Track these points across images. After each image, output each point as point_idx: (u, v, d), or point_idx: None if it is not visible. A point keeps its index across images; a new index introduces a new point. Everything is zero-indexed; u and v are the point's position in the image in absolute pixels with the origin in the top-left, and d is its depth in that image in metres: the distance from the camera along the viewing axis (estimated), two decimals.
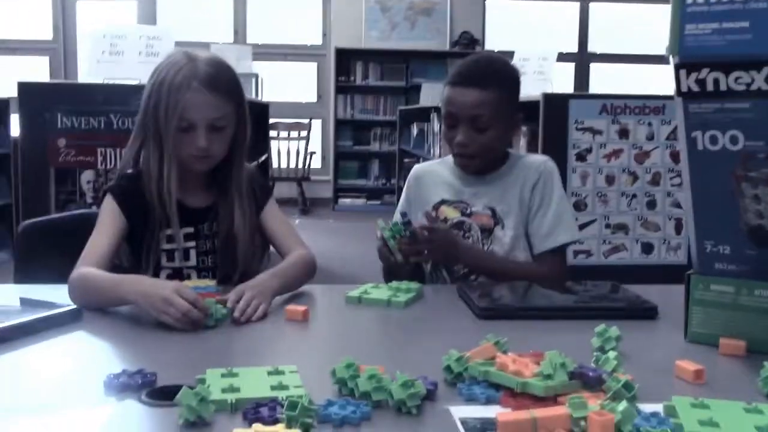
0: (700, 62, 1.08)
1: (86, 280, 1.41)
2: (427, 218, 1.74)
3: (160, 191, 1.55)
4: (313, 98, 8.44)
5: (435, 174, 1.89)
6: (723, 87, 1.07)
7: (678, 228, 3.10)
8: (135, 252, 1.61)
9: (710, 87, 1.08)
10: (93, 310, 1.35)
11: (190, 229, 1.62)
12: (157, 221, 1.57)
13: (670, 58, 1.10)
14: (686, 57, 1.08)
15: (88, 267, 1.44)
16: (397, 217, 1.87)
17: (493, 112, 1.71)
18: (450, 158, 1.88)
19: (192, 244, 1.62)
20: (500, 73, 1.77)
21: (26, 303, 1.37)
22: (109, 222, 1.56)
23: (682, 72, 1.09)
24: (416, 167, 1.97)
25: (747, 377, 1.06)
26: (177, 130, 1.52)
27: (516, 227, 1.77)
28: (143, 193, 1.57)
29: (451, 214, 1.82)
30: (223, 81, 1.55)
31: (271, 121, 5.94)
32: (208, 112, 1.52)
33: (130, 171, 1.63)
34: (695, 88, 1.09)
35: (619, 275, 1.65)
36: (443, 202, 1.84)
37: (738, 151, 1.10)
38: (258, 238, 1.68)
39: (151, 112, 1.54)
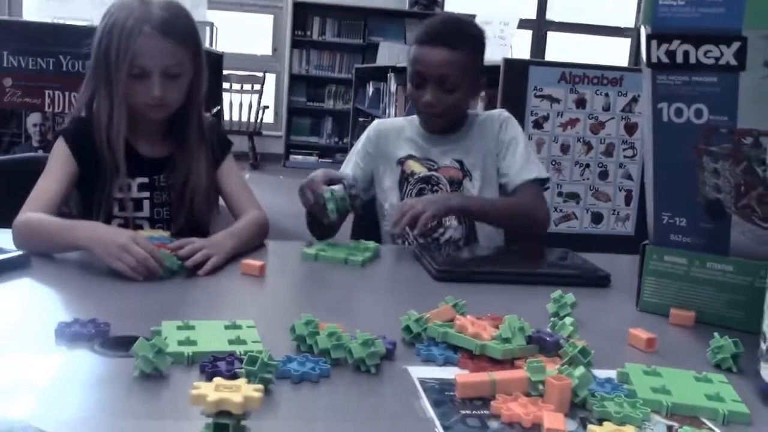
0: (671, 33, 1.08)
1: (33, 225, 1.36)
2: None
3: (110, 138, 1.50)
4: (268, 51, 8.28)
5: (400, 130, 1.88)
6: (692, 60, 1.07)
7: (628, 199, 3.15)
8: (85, 200, 1.56)
9: (680, 59, 1.08)
10: (40, 255, 1.31)
11: (145, 179, 1.58)
12: (109, 169, 1.52)
13: (642, 28, 1.10)
14: (658, 28, 1.08)
15: (34, 212, 1.40)
16: (348, 168, 1.85)
17: (461, 72, 1.71)
18: (415, 118, 1.87)
19: (146, 194, 1.58)
20: (468, 34, 1.76)
21: None
22: (59, 167, 1.51)
23: (653, 42, 1.09)
24: (378, 122, 1.95)
25: (696, 347, 1.08)
26: (129, 77, 1.47)
27: (483, 179, 1.79)
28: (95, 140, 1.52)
29: (418, 168, 1.82)
30: (177, 26, 1.49)
31: (224, 72, 5.81)
32: (162, 59, 1.47)
33: (83, 115, 1.57)
34: (665, 60, 1.09)
35: (569, 243, 1.67)
36: (410, 157, 1.83)
37: (702, 124, 1.11)
38: (213, 193, 1.64)
39: (102, 57, 1.48)
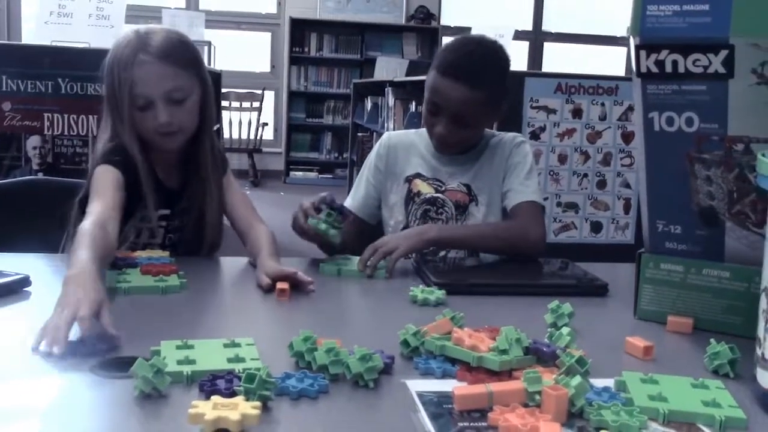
0: (659, 44, 1.09)
1: (84, 233, 1.24)
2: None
3: (141, 172, 1.50)
4: (267, 68, 8.33)
5: (411, 146, 1.84)
6: (681, 69, 1.08)
7: (626, 208, 3.16)
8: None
9: (669, 68, 1.09)
10: (49, 267, 1.35)
11: (167, 212, 1.58)
12: (136, 200, 1.51)
13: (630, 39, 1.11)
14: (646, 38, 1.10)
15: (99, 214, 1.32)
16: (361, 185, 1.85)
17: (479, 111, 1.67)
18: (426, 132, 1.82)
19: (163, 223, 1.59)
20: (493, 71, 1.69)
21: None
22: (110, 186, 1.44)
23: (642, 53, 1.10)
24: (389, 135, 1.91)
25: (693, 354, 1.09)
26: (135, 109, 1.47)
27: (489, 204, 1.76)
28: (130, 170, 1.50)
29: (425, 189, 1.79)
30: (175, 50, 1.49)
31: (223, 90, 5.85)
32: (162, 84, 1.46)
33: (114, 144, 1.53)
34: (654, 69, 1.10)
35: (569, 253, 1.67)
36: (418, 175, 1.81)
37: (693, 132, 1.12)
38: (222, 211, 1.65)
39: (110, 94, 1.49)
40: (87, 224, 1.27)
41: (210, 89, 1.57)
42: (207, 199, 1.58)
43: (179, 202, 1.59)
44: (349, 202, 1.84)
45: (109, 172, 1.46)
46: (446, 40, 7.99)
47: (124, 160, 1.49)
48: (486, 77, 1.66)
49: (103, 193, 1.42)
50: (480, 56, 1.68)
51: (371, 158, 1.87)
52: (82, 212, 1.40)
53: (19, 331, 1.09)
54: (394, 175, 1.83)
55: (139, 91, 1.46)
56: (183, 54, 1.51)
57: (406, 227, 1.79)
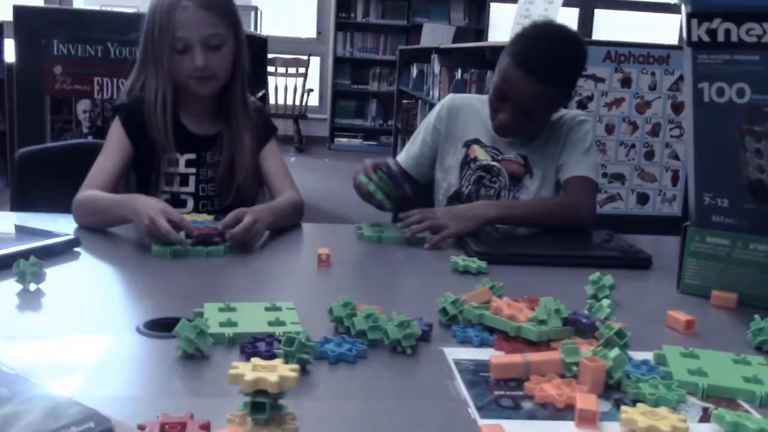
0: (712, 12, 1.06)
1: (89, 201, 1.46)
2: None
3: (159, 115, 1.57)
4: (313, 34, 8.31)
5: (473, 111, 1.82)
6: (734, 38, 1.05)
7: (674, 180, 3.10)
8: (140, 176, 1.64)
9: (721, 38, 1.06)
10: (95, 229, 1.42)
11: (192, 156, 1.63)
12: (159, 145, 1.59)
13: (682, 7, 1.08)
14: (699, 6, 1.07)
15: (92, 189, 1.48)
16: (416, 142, 1.85)
17: (547, 106, 1.68)
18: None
19: (192, 170, 1.63)
20: (569, 69, 1.67)
21: (22, 231, 1.37)
22: (115, 146, 1.59)
23: (694, 21, 1.07)
24: (452, 97, 1.88)
25: (737, 329, 1.07)
26: (173, 52, 1.53)
27: (543, 177, 1.75)
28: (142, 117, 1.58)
29: (482, 155, 1.78)
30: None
31: (269, 56, 5.86)
32: (201, 29, 1.53)
33: (136, 94, 1.62)
34: (705, 39, 1.07)
35: (614, 225, 1.65)
36: (476, 141, 1.80)
37: (744, 104, 1.09)
38: (257, 173, 1.69)
39: (148, 37, 1.56)
40: (90, 194, 1.47)
41: (243, 41, 1.62)
42: (237, 147, 1.63)
43: (208, 150, 1.64)
44: (402, 158, 1.86)
45: (117, 135, 1.60)
46: (494, 6, 7.89)
47: (137, 109, 1.59)
48: (561, 75, 1.64)
49: (104, 152, 1.58)
50: (558, 52, 1.64)
51: (431, 118, 1.87)
52: None
53: (69, 290, 1.13)
54: (453, 137, 1.82)
55: (179, 35, 1.52)
56: (222, 3, 1.57)
57: (458, 192, 1.79)
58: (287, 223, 1.55)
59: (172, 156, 1.60)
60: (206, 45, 1.54)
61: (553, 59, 1.62)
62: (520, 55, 1.62)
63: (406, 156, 1.87)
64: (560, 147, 1.75)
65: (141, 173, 1.63)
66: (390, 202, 1.52)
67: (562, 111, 1.80)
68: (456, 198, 1.80)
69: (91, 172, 1.54)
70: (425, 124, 1.87)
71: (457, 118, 1.83)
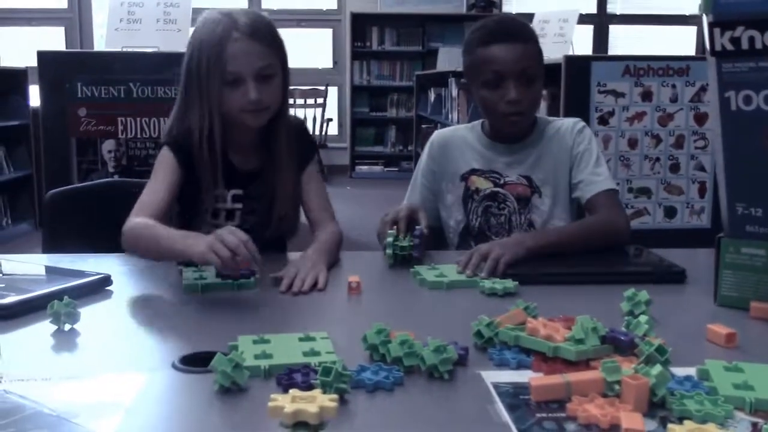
0: (734, 20, 1.05)
1: (142, 230, 1.40)
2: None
3: (206, 152, 1.53)
4: (329, 64, 8.38)
5: (462, 141, 1.81)
6: (758, 45, 1.04)
7: (701, 191, 3.07)
8: (183, 209, 1.61)
9: (745, 45, 1.05)
10: (146, 259, 1.42)
11: (239, 191, 1.61)
12: (206, 181, 1.56)
13: (703, 17, 1.08)
14: (720, 15, 1.06)
15: (144, 217, 1.43)
16: (416, 190, 1.82)
17: (537, 63, 1.70)
18: (477, 125, 1.82)
19: (239, 205, 1.62)
20: (527, 28, 1.75)
21: (53, 272, 1.38)
22: (166, 175, 1.54)
23: (716, 30, 1.07)
24: (438, 134, 1.88)
25: None
26: (224, 86, 1.49)
27: (554, 195, 1.73)
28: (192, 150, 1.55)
29: (483, 184, 1.76)
30: (264, 29, 1.52)
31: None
32: (254, 62, 1.49)
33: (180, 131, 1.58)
34: (729, 47, 1.07)
35: (642, 239, 1.63)
36: (473, 171, 1.77)
37: None
38: (297, 203, 1.66)
39: (194, 71, 1.51)
40: (142, 222, 1.41)
41: (288, 69, 1.59)
42: (279, 180, 1.59)
43: (254, 184, 1.61)
44: None
45: (168, 162, 1.55)
46: None
47: (184, 141, 1.54)
48: (526, 33, 1.72)
49: (154, 180, 1.53)
50: (511, 20, 1.80)
51: (423, 161, 1.85)
52: None
53: (103, 329, 1.13)
54: (448, 173, 1.79)
55: (231, 69, 1.48)
56: (270, 33, 1.54)
57: (467, 226, 1.77)
58: (335, 261, 1.51)
59: (221, 192, 1.58)
60: (258, 77, 1.50)
61: (512, 23, 1.75)
62: (487, 36, 1.70)
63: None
64: (568, 160, 1.73)
65: (184, 209, 1.61)
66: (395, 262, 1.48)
67: (554, 119, 1.80)
68: (467, 233, 1.77)
69: (141, 199, 1.48)
70: (419, 169, 1.85)
71: (448, 152, 1.81)
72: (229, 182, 1.59)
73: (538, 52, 1.71)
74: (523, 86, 1.66)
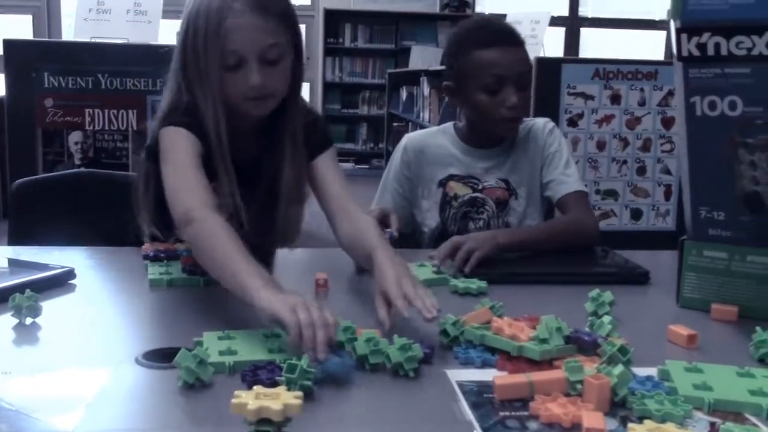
0: (701, 26, 1.07)
1: (210, 239, 1.10)
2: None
3: (216, 146, 1.28)
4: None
5: (438, 147, 1.79)
6: (724, 52, 1.06)
7: (667, 194, 3.11)
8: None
9: (711, 51, 1.07)
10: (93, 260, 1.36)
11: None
12: (223, 183, 1.30)
13: (671, 22, 1.09)
14: (688, 21, 1.07)
15: (202, 207, 1.14)
16: (386, 196, 1.79)
17: (530, 67, 1.73)
18: (450, 129, 1.81)
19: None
20: (517, 31, 1.75)
21: (16, 264, 1.36)
22: (189, 152, 1.25)
23: (683, 36, 1.08)
24: (411, 139, 1.82)
25: (739, 342, 1.07)
26: (223, 69, 1.25)
27: (528, 196, 1.75)
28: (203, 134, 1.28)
29: (462, 190, 1.75)
30: (274, 0, 1.28)
31: None
32: (258, 39, 1.24)
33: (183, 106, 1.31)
34: (696, 53, 1.08)
35: (609, 241, 1.65)
36: (451, 177, 1.76)
37: (736, 116, 1.09)
38: (303, 195, 1.43)
39: (190, 50, 1.26)
40: (211, 226, 1.11)
41: (303, 51, 1.37)
42: (283, 178, 1.36)
43: (249, 177, 1.37)
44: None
45: (183, 136, 1.26)
46: None
47: (197, 122, 1.28)
48: (518, 34, 1.71)
49: (187, 172, 1.21)
50: (499, 21, 1.79)
51: (395, 166, 1.80)
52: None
53: (65, 323, 1.11)
54: (424, 179, 1.77)
55: (231, 47, 1.24)
56: (282, 5, 1.30)
57: (443, 231, 1.76)
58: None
59: (226, 187, 1.29)
60: (263, 59, 1.26)
61: (505, 26, 1.74)
62: (487, 37, 1.67)
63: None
64: (539, 160, 1.75)
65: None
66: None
67: (525, 119, 1.80)
68: (442, 238, 1.76)
69: (181, 187, 1.20)
70: (391, 174, 1.80)
71: (424, 158, 1.78)
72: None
73: (528, 57, 1.73)
74: (521, 91, 1.67)
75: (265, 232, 1.37)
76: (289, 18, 1.31)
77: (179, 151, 1.25)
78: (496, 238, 1.49)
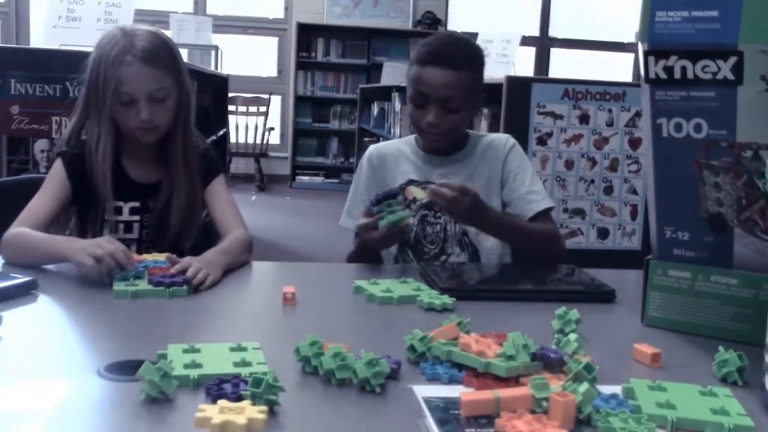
0: (668, 50, 1.09)
1: (19, 238, 1.46)
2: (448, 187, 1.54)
3: (99, 163, 1.59)
4: (274, 73, 8.34)
5: (399, 153, 1.85)
6: (690, 75, 1.08)
7: (633, 214, 3.15)
8: (81, 221, 1.65)
9: (677, 75, 1.09)
10: (24, 267, 1.40)
11: (137, 203, 1.65)
12: (100, 192, 1.60)
13: (639, 45, 1.11)
14: (655, 44, 1.09)
15: (24, 227, 1.49)
16: (358, 206, 1.80)
17: (464, 93, 1.70)
18: (411, 139, 1.86)
19: (137, 217, 1.66)
20: (471, 55, 1.75)
21: None
22: (53, 187, 1.61)
23: (651, 59, 1.10)
24: (374, 148, 1.90)
25: (702, 361, 1.08)
26: (118, 104, 1.56)
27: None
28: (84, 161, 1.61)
29: (420, 194, 1.78)
30: (159, 53, 1.57)
31: (230, 94, 5.86)
32: (145, 85, 1.55)
33: (82, 138, 1.64)
34: (663, 76, 1.10)
35: (576, 259, 1.66)
36: (410, 182, 1.81)
37: (701, 139, 1.11)
38: (198, 213, 1.70)
39: (92, 86, 1.58)
40: (21, 231, 1.48)
41: (187, 90, 1.65)
42: (174, 192, 1.64)
43: (152, 196, 1.66)
44: (351, 224, 1.80)
45: (59, 173, 1.62)
46: None
47: (80, 153, 1.61)
48: (466, 60, 1.72)
49: (41, 193, 1.59)
50: (455, 41, 1.78)
51: (362, 176, 1.86)
52: None
53: (26, 334, 1.09)
54: (386, 186, 1.80)
55: (124, 89, 1.54)
56: (166, 57, 1.60)
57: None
58: (241, 262, 1.53)
59: (116, 204, 1.62)
60: (151, 99, 1.56)
61: (454, 47, 1.74)
62: (424, 54, 1.72)
63: (353, 221, 1.77)
64: (499, 174, 1.78)
65: (83, 219, 1.64)
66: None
67: (486, 134, 1.87)
68: (403, 242, 1.78)
69: (25, 210, 1.55)
70: (359, 185, 1.86)
71: (385, 166, 1.84)
72: (127, 195, 1.64)
73: (472, 82, 1.72)
74: (443, 111, 1.70)
75: (160, 234, 1.66)
76: (173, 65, 1.61)
77: (46, 187, 1.61)
78: (485, 210, 1.59)
